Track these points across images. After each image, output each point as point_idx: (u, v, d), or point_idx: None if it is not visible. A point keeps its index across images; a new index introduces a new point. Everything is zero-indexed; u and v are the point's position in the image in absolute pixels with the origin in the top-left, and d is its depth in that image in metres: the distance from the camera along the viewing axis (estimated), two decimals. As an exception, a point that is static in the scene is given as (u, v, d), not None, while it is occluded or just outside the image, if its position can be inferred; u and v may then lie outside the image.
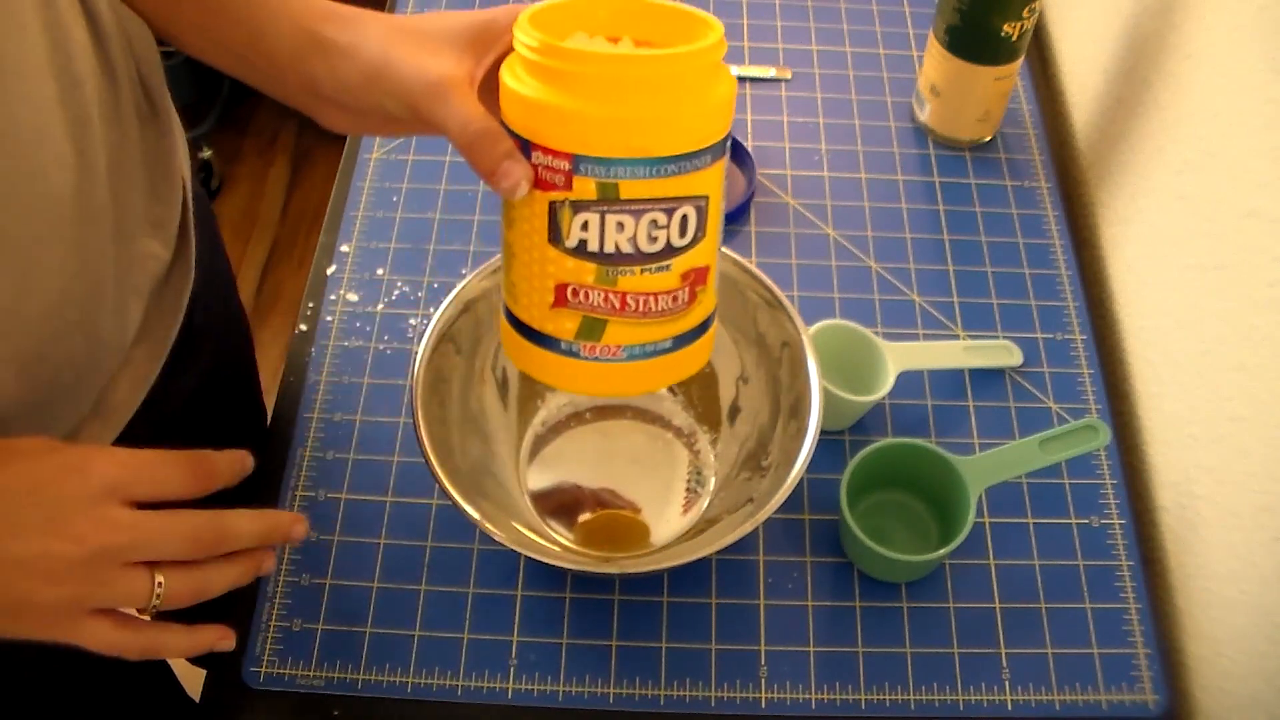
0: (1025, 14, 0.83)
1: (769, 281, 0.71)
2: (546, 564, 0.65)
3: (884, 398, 0.74)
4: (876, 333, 0.77)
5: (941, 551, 0.66)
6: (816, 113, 0.96)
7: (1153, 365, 0.79)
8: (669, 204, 0.45)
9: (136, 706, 0.89)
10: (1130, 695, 0.67)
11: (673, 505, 0.73)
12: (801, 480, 0.66)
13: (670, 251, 0.47)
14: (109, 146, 0.54)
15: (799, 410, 0.67)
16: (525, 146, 0.45)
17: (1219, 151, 0.71)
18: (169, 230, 0.64)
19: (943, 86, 0.90)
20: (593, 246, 0.46)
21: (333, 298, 0.82)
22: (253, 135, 2.08)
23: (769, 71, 0.98)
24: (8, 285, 0.49)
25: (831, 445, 0.76)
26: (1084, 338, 0.82)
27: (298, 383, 0.78)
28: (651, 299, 0.48)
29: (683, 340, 0.51)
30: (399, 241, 0.85)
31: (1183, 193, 0.76)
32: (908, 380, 0.77)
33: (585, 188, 0.44)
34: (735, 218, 0.88)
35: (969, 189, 0.91)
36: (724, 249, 0.72)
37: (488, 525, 0.62)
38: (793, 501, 0.72)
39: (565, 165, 0.44)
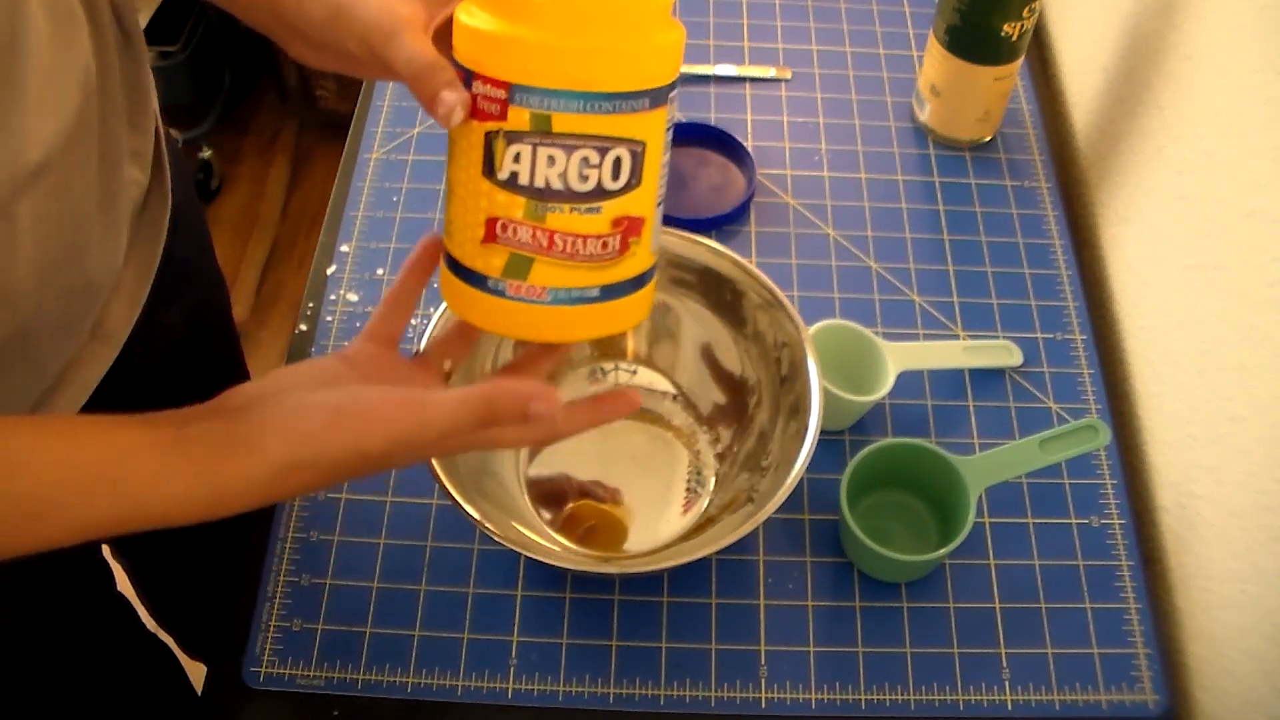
0: (1025, 14, 0.83)
1: (769, 281, 0.71)
2: (546, 564, 0.65)
3: (884, 398, 0.74)
4: (876, 333, 0.77)
5: (941, 551, 0.66)
6: (816, 113, 0.96)
7: (1153, 365, 0.79)
8: (602, 143, 0.45)
9: (146, 700, 0.89)
10: (1130, 695, 0.67)
11: (673, 505, 0.73)
12: (801, 480, 0.66)
13: (601, 193, 0.47)
14: (95, 77, 0.57)
15: (799, 410, 0.67)
16: (468, 78, 0.46)
17: (1219, 151, 0.71)
18: (146, 158, 0.66)
19: (943, 86, 0.90)
20: (524, 179, 0.46)
21: (333, 298, 0.82)
22: (253, 135, 2.08)
23: (769, 71, 0.98)
24: (27, 210, 0.52)
25: (831, 445, 0.76)
26: (1084, 338, 0.82)
27: (298, 383, 0.78)
28: (580, 241, 0.48)
29: (612, 292, 0.50)
30: (399, 241, 0.86)
31: (1183, 193, 0.76)
32: (908, 380, 0.77)
33: (519, 118, 0.45)
34: (735, 218, 0.88)
35: (969, 189, 0.91)
36: (724, 249, 0.72)
37: (488, 525, 0.62)
38: (793, 501, 0.72)
39: (502, 94, 0.45)
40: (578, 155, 0.46)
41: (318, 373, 0.50)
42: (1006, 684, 0.67)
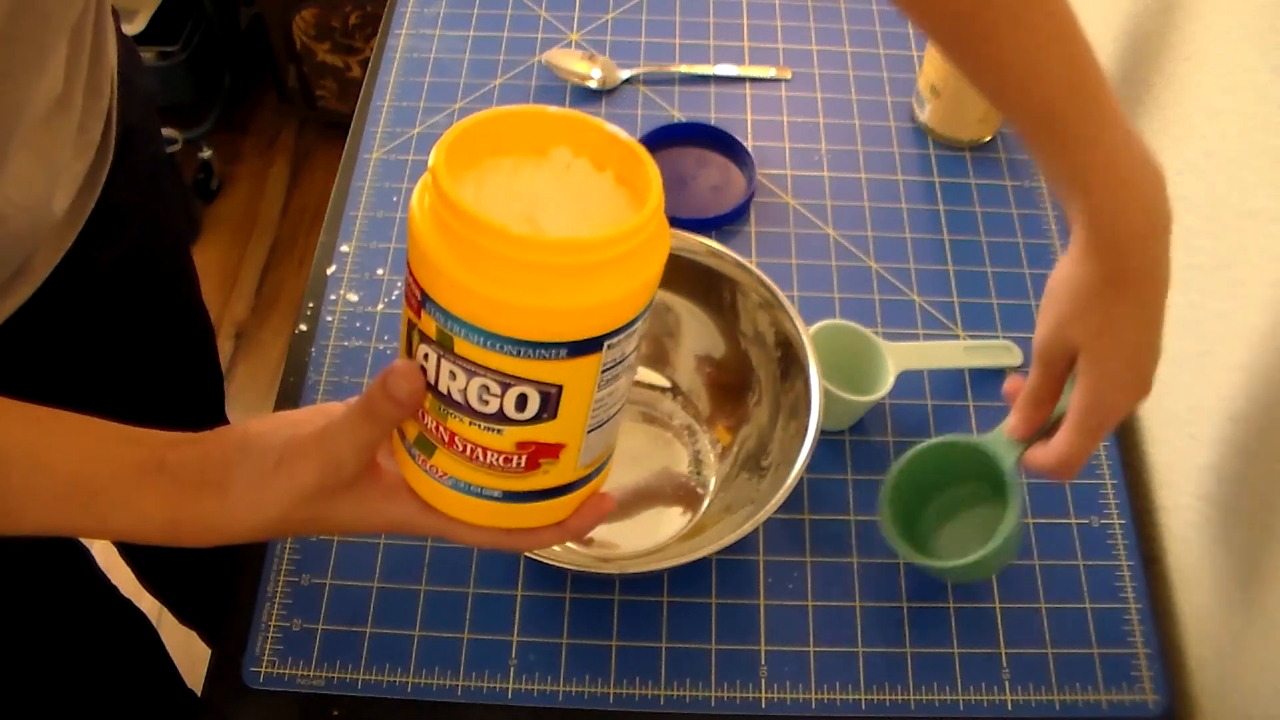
0: (1025, 14, 0.82)
1: (769, 281, 0.71)
2: (546, 564, 0.65)
3: (884, 398, 0.74)
4: (876, 333, 0.77)
5: (991, 548, 0.62)
6: (816, 113, 0.96)
7: (1153, 365, 0.79)
8: (504, 378, 0.41)
9: (139, 701, 0.89)
10: (1130, 695, 0.67)
11: (673, 505, 0.73)
12: (801, 480, 0.66)
13: (503, 419, 0.42)
14: (69, 54, 0.58)
15: (799, 410, 0.67)
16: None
17: (1219, 151, 0.71)
18: (101, 118, 0.67)
19: (943, 86, 0.90)
20: (430, 378, 0.43)
21: (333, 298, 0.82)
22: (253, 135, 2.08)
23: (769, 71, 0.98)
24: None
25: (831, 445, 0.76)
26: (1084, 338, 0.82)
27: (298, 383, 0.78)
28: (479, 451, 0.44)
29: (517, 497, 0.46)
30: (399, 241, 0.85)
31: (1183, 193, 0.75)
32: (908, 380, 0.77)
33: (429, 325, 0.41)
34: (735, 218, 0.88)
35: (969, 189, 0.91)
36: (724, 249, 0.72)
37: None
38: (793, 501, 0.72)
39: (418, 295, 0.41)
40: (477, 381, 0.41)
41: (312, 418, 0.49)
42: (1006, 684, 0.67)
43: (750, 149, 0.91)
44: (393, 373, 0.43)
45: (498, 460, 0.44)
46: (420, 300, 0.41)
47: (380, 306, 0.82)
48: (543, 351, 0.40)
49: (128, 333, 0.81)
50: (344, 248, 0.85)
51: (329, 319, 0.81)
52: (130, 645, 0.92)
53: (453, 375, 0.42)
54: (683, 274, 0.73)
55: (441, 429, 0.44)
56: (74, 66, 0.60)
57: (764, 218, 0.88)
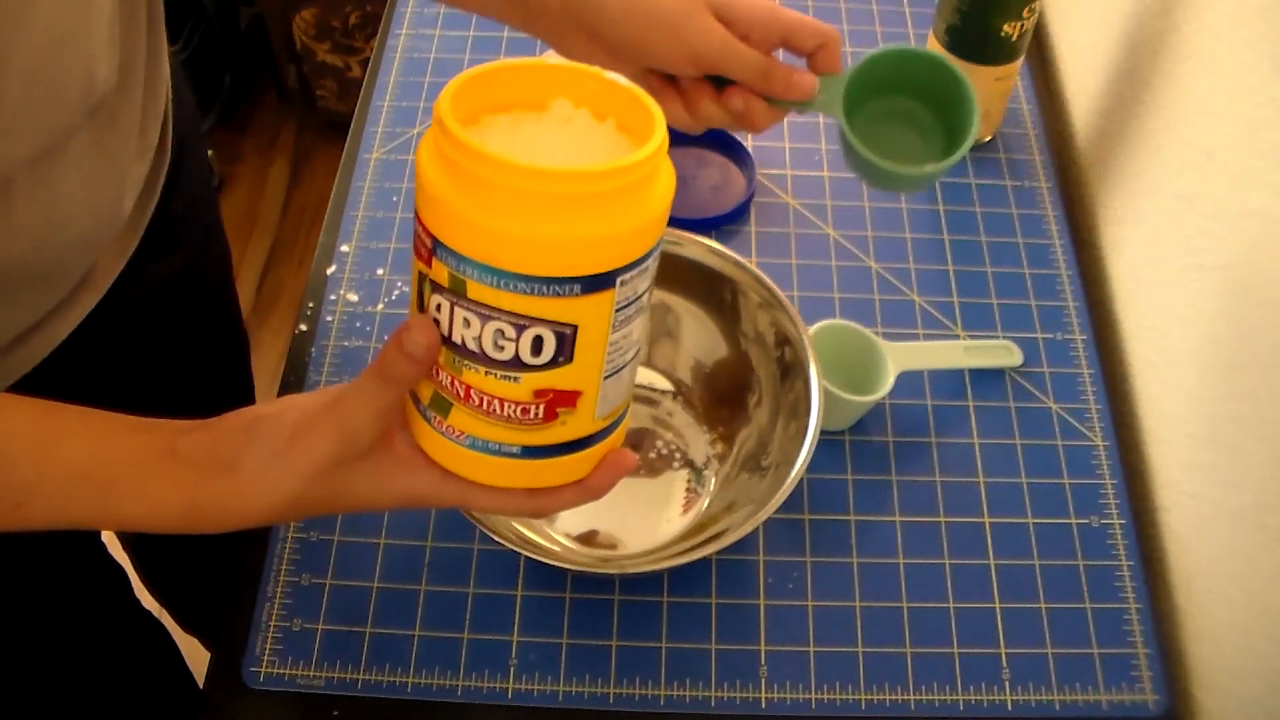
0: (1025, 14, 0.83)
1: (769, 281, 0.71)
2: (546, 564, 0.65)
3: (884, 398, 0.74)
4: (876, 333, 0.77)
5: (945, 163, 0.60)
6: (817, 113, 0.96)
7: (1153, 365, 0.79)
8: (518, 319, 0.41)
9: (147, 696, 0.90)
10: (1130, 695, 0.67)
11: (673, 505, 0.73)
12: (801, 480, 0.66)
13: (519, 365, 0.43)
14: (122, 57, 0.57)
15: (799, 410, 0.67)
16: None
17: (1219, 151, 0.71)
18: (158, 120, 0.67)
19: (943, 86, 0.90)
20: (443, 330, 0.43)
21: (333, 298, 0.82)
22: (253, 135, 2.08)
23: (769, 71, 0.98)
24: (72, 177, 0.54)
25: (831, 445, 0.76)
26: (1084, 338, 0.82)
27: (298, 383, 0.78)
28: (496, 403, 0.44)
29: (536, 452, 0.46)
30: (399, 241, 0.86)
31: (1183, 192, 0.76)
32: (908, 380, 0.77)
33: (440, 272, 0.41)
34: (735, 218, 0.88)
35: (969, 189, 0.91)
36: (724, 249, 0.72)
37: (487, 525, 0.62)
38: (793, 501, 0.72)
39: (429, 243, 0.41)
40: (492, 325, 0.41)
41: (321, 396, 0.48)
42: (1006, 684, 0.67)
43: (750, 149, 0.91)
44: (406, 328, 0.43)
45: (515, 411, 0.44)
46: (431, 248, 0.41)
47: (380, 306, 0.82)
48: (556, 288, 0.40)
49: (173, 349, 0.82)
50: (344, 248, 0.85)
51: (329, 319, 0.81)
52: (153, 656, 0.92)
53: (466, 323, 0.42)
54: (683, 274, 0.73)
55: (457, 383, 0.44)
56: (130, 59, 0.59)
57: (764, 218, 0.88)
